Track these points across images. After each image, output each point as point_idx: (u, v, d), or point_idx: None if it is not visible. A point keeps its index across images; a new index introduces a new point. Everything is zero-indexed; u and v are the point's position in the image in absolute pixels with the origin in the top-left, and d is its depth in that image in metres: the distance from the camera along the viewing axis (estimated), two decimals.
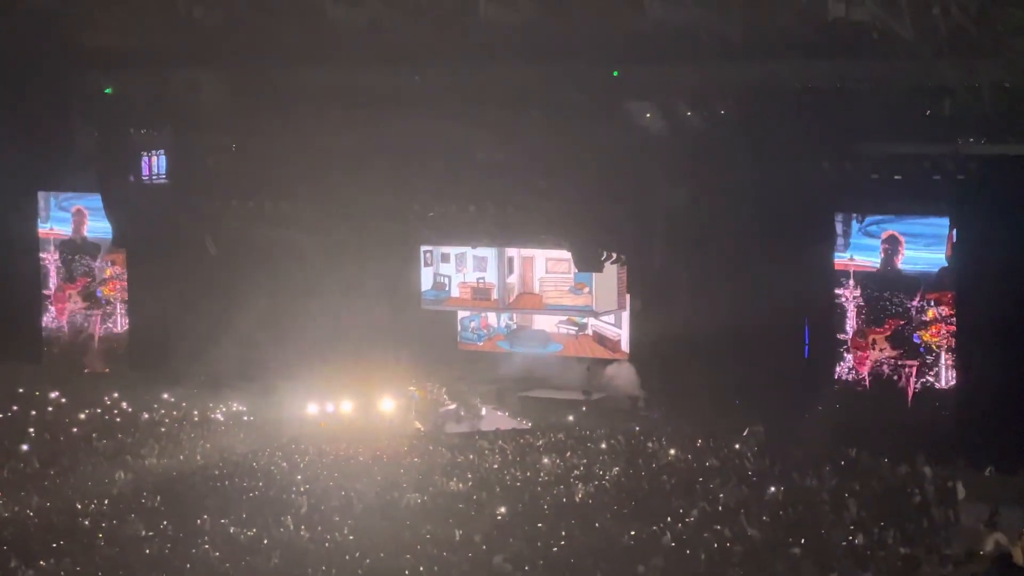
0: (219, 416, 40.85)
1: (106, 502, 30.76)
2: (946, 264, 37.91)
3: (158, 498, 31.04)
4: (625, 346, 43.37)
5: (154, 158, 45.35)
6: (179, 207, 45.22)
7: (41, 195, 48.35)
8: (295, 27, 41.07)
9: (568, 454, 35.15)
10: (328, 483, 32.40)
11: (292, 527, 28.84)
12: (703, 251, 40.58)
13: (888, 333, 38.63)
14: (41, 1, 41.43)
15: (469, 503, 30.56)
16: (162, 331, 45.78)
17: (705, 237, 40.49)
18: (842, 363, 39.15)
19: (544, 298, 43.92)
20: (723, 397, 39.23)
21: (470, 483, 32.50)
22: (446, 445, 36.87)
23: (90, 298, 48.14)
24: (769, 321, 38.98)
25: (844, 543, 27.15)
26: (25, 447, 35.80)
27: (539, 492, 31.48)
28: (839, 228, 38.89)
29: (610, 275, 42.75)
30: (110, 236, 47.15)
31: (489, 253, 43.95)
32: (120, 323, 47.87)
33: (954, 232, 37.69)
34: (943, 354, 38.19)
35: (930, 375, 38.27)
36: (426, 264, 44.54)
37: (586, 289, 43.11)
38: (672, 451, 35.03)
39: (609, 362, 43.45)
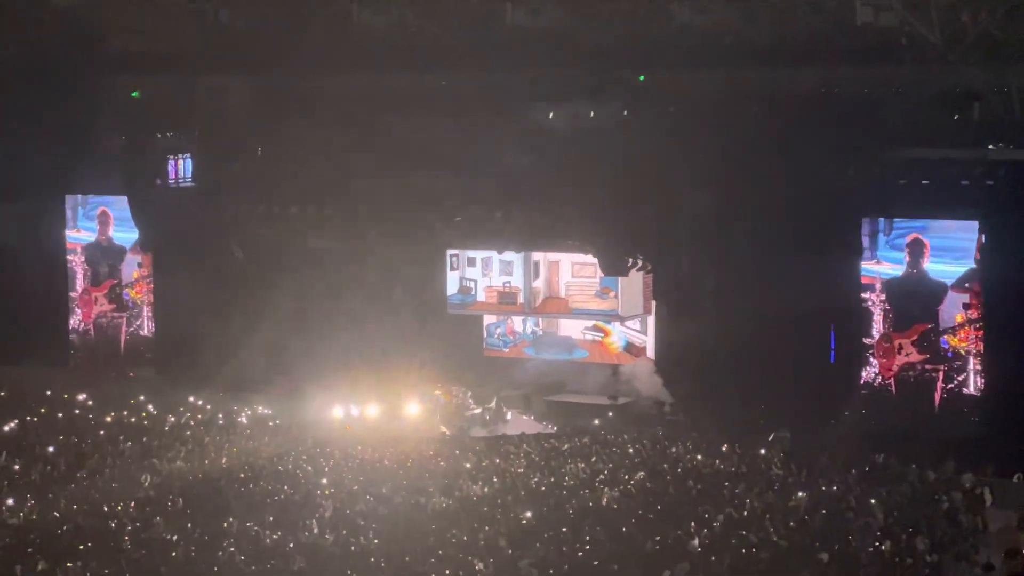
0: (245, 419, 40.90)
1: (132, 505, 30.77)
2: (974, 267, 37.73)
3: (183, 501, 31.04)
4: (651, 352, 43.30)
5: (180, 161, 45.48)
6: (205, 211, 45.31)
7: (68, 198, 48.45)
8: (322, 32, 41.14)
9: (593, 459, 35.10)
10: (353, 487, 32.38)
11: (317, 531, 28.83)
12: (729, 256, 40.50)
13: (915, 337, 38.47)
14: (69, 5, 41.54)
15: (494, 507, 30.52)
16: (188, 334, 45.81)
17: (731, 242, 40.41)
18: (868, 368, 39.01)
19: (570, 302, 43.88)
20: (749, 402, 39.14)
21: (496, 487, 32.46)
22: (471, 449, 36.85)
23: (116, 300, 48.21)
24: (795, 326, 38.91)
25: (871, 549, 27.03)
26: (52, 450, 35.85)
27: (564, 496, 31.41)
28: (865, 235, 38.73)
29: (636, 279, 42.74)
30: (136, 239, 47.30)
31: (515, 257, 43.93)
32: (147, 326, 47.93)
33: (982, 236, 37.53)
34: (971, 359, 37.99)
35: (957, 380, 38.09)
36: (452, 268, 44.55)
37: (612, 293, 43.07)
38: (698, 456, 34.95)
39: (635, 366, 43.42)
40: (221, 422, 40.15)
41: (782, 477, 32.72)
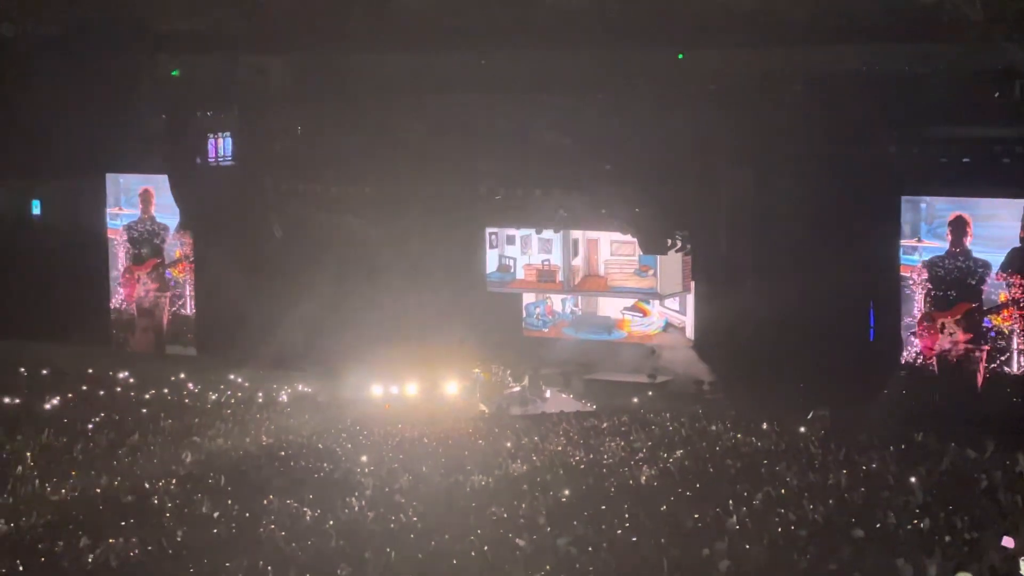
0: (285, 398, 41.07)
1: (174, 482, 30.94)
2: (1019, 245, 37.55)
3: (224, 478, 31.21)
4: (690, 333, 43.28)
5: (220, 140, 45.59)
6: (245, 189, 45.44)
7: (109, 177, 48.63)
8: (362, 11, 41.17)
9: (632, 437, 35.12)
10: (393, 465, 32.48)
11: (357, 508, 28.93)
12: (768, 234, 40.45)
13: (958, 317, 38.30)
14: None
15: (533, 485, 30.57)
16: (229, 313, 45.97)
17: (770, 221, 40.36)
18: (909, 348, 38.89)
19: (609, 280, 43.87)
20: (788, 380, 39.09)
21: (535, 465, 32.51)
22: (511, 427, 36.90)
23: (159, 279, 48.37)
24: (834, 304, 38.84)
25: (909, 527, 27.01)
26: (93, 427, 36.07)
27: (603, 475, 31.44)
28: (906, 222, 38.57)
29: (675, 258, 42.68)
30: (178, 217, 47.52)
31: (554, 235, 43.91)
32: (189, 305, 48.08)
33: None
34: (1015, 338, 37.82)
35: (1000, 359, 37.93)
36: (491, 246, 44.57)
37: (651, 271, 43.01)
38: (737, 434, 34.95)
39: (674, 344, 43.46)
40: (261, 400, 40.32)
41: (821, 455, 32.70)
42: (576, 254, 44.01)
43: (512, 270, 44.57)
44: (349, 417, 37.90)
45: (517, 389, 41.92)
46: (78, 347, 46.31)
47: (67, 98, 45.01)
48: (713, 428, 35.82)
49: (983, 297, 38.08)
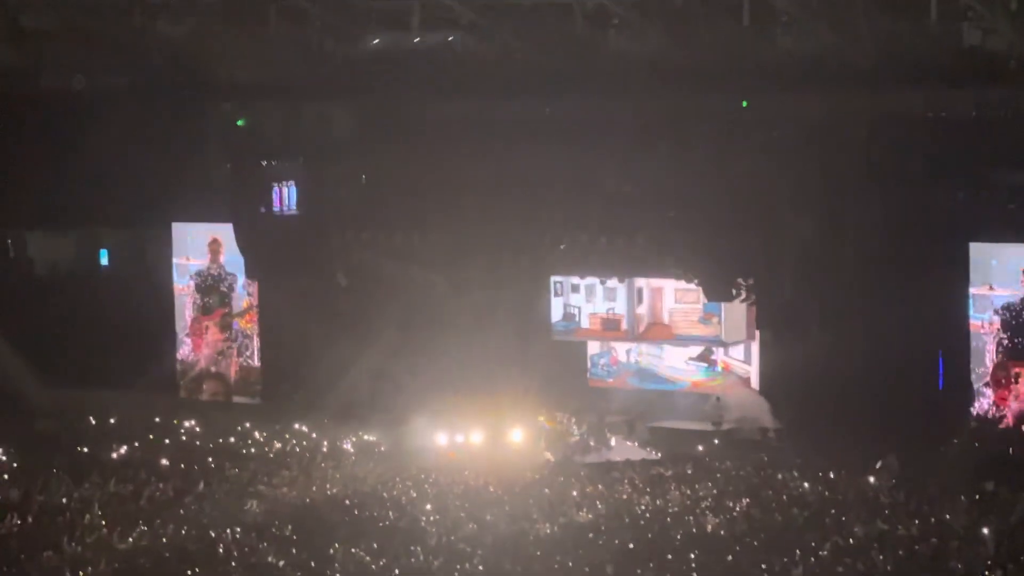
0: (349, 446, 41.08)
1: (239, 531, 31.02)
2: None
3: (290, 527, 31.25)
4: (755, 382, 43.05)
5: (285, 189, 45.78)
6: (310, 238, 45.58)
7: (176, 226, 48.83)
8: (425, 59, 41.34)
9: (697, 485, 34.96)
10: (458, 513, 32.46)
11: (422, 557, 28.92)
12: (834, 281, 40.22)
13: None
14: (175, 35, 42.07)
15: (599, 533, 30.48)
16: (294, 362, 46.06)
17: (836, 267, 40.14)
18: (982, 399, 38.42)
19: (673, 328, 43.70)
20: (855, 429, 38.79)
21: (600, 513, 32.41)
22: (576, 475, 36.80)
23: (227, 329, 48.47)
24: (902, 352, 38.57)
25: None
26: (159, 476, 36.22)
27: (669, 523, 31.33)
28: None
29: (740, 305, 42.45)
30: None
31: (618, 284, 43.81)
32: (256, 356, 48.10)
33: None
34: None
35: None
36: (556, 294, 44.52)
37: (715, 319, 42.84)
38: (804, 483, 34.71)
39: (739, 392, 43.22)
40: (326, 449, 40.37)
41: (889, 505, 32.44)
42: (640, 302, 43.89)
43: (577, 318, 44.49)
44: (414, 465, 37.89)
45: (582, 437, 41.73)
46: (145, 395, 46.50)
47: (134, 148, 45.40)
48: (779, 476, 35.60)
49: None
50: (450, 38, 40.20)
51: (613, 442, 41.93)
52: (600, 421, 42.56)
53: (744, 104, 41.41)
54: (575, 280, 44.14)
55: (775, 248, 40.95)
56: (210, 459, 38.56)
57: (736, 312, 42.39)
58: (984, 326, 38.20)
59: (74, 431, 42.43)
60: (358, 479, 36.28)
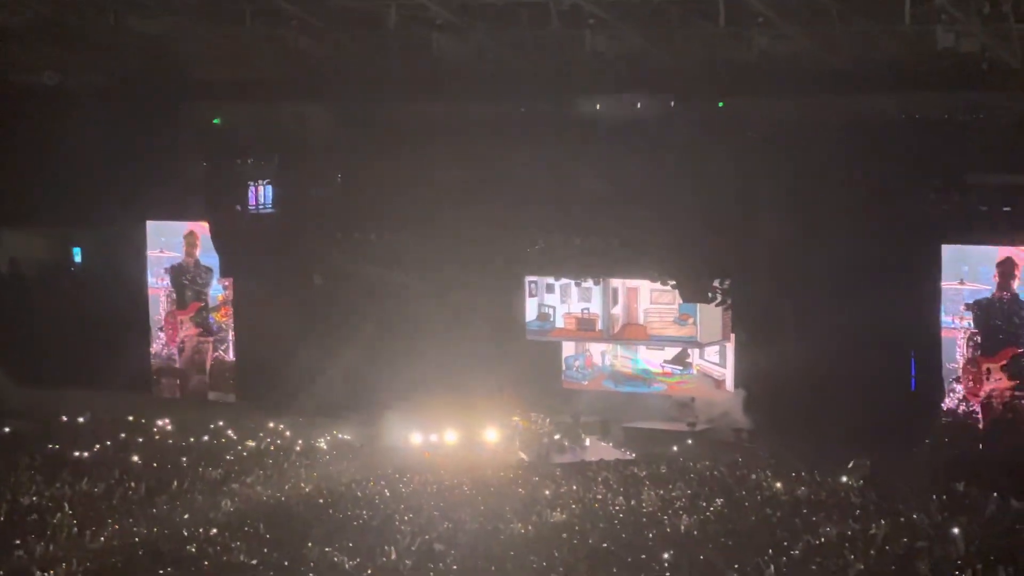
0: (324, 445, 41.07)
1: (213, 530, 30.98)
2: None
3: (263, 526, 31.22)
4: (730, 386, 43.14)
5: (261, 188, 45.73)
6: (285, 237, 45.56)
7: (150, 224, 48.71)
8: (402, 59, 41.33)
9: (671, 485, 35.03)
10: (432, 513, 32.46)
11: (395, 556, 28.92)
12: (808, 283, 40.32)
13: (1004, 363, 37.91)
14: (151, 33, 41.99)
15: (572, 533, 30.51)
16: (268, 360, 46.02)
17: (811, 269, 40.23)
18: (952, 395, 38.57)
19: (649, 329, 43.77)
20: (828, 429, 38.90)
21: (574, 513, 32.45)
22: (550, 475, 36.84)
23: (203, 324, 48.36)
24: (874, 353, 38.70)
25: None
26: (132, 474, 36.14)
27: (642, 523, 31.38)
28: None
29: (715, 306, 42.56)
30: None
31: (593, 285, 43.84)
32: (231, 351, 48.03)
33: None
34: None
35: None
36: (531, 295, 44.56)
37: (690, 320, 42.93)
38: (776, 483, 34.82)
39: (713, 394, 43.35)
40: (300, 447, 40.34)
41: (861, 505, 32.55)
42: (616, 303, 43.95)
43: (551, 319, 44.54)
44: (389, 464, 37.90)
45: (556, 437, 41.78)
46: (118, 393, 46.41)
47: (108, 146, 45.31)
48: (753, 477, 35.70)
49: None
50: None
51: (587, 442, 41.99)
52: (575, 421, 42.61)
53: (720, 105, 41.47)
54: (550, 280, 44.19)
55: (750, 249, 41.03)
56: (183, 457, 38.49)
57: (712, 313, 42.49)
58: (955, 322, 38.27)
59: (45, 429, 42.32)
60: (332, 478, 36.26)
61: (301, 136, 45.75)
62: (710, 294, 41.31)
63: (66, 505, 32.99)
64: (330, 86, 43.30)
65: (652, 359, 44.32)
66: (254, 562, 28.56)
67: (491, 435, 41.03)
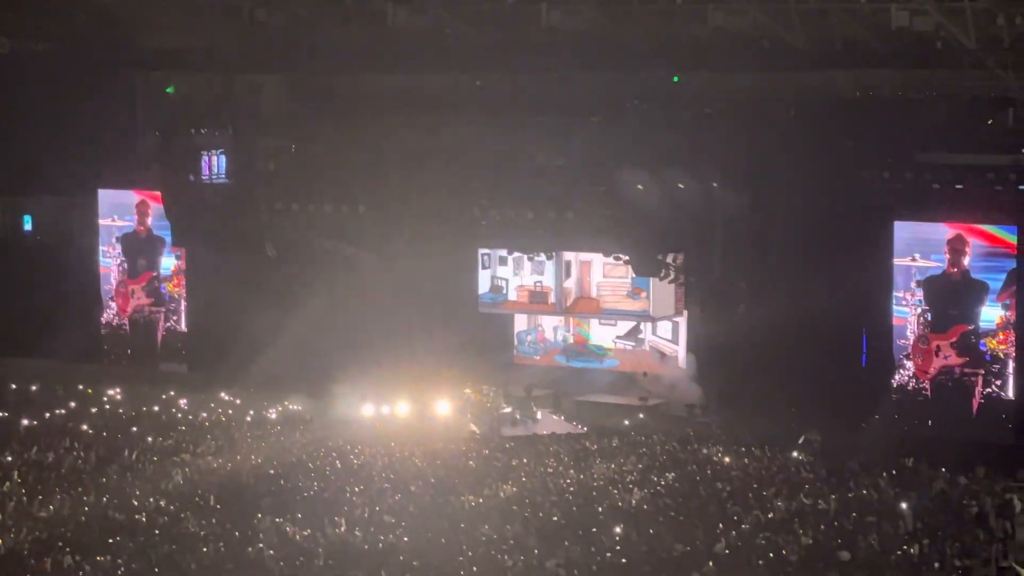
0: (275, 416, 41.00)
1: (163, 501, 30.91)
2: (1016, 267, 37.31)
3: (214, 497, 31.16)
4: (682, 362, 43.25)
5: (214, 158, 45.52)
6: (238, 208, 45.37)
7: (102, 193, 48.44)
8: (357, 32, 41.18)
9: (622, 459, 35.12)
10: (383, 485, 32.46)
11: (346, 528, 28.91)
12: (761, 258, 40.46)
13: (953, 339, 38.07)
14: (104, 2, 41.72)
15: (523, 506, 30.56)
16: (220, 330, 45.88)
17: (763, 244, 40.38)
18: (903, 371, 38.71)
19: (601, 302, 43.82)
20: (779, 404, 39.10)
21: (525, 486, 32.49)
22: (501, 448, 36.89)
23: (154, 294, 48.13)
24: (826, 329, 38.85)
25: (899, 553, 27.01)
26: (82, 444, 36.00)
27: (593, 497, 31.45)
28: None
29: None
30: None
31: (545, 259, 43.84)
32: (183, 321, 47.84)
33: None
34: (1010, 362, 37.59)
35: (996, 384, 37.70)
36: (483, 267, 44.54)
37: (643, 294, 42.99)
38: (727, 458, 34.96)
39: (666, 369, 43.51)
40: (251, 419, 40.26)
41: (811, 480, 32.72)
42: (568, 276, 43.99)
43: (504, 291, 44.53)
44: (339, 436, 37.84)
45: (508, 410, 41.82)
46: (68, 363, 46.20)
47: (60, 114, 45.01)
48: (704, 451, 35.85)
49: (979, 320, 37.78)
50: None
51: (539, 415, 42.04)
52: (527, 394, 42.65)
53: (675, 80, 41.48)
54: (502, 252, 44.17)
55: (703, 224, 41.10)
56: (134, 427, 38.38)
57: (665, 287, 42.55)
58: (907, 298, 38.40)
59: None
60: (283, 449, 36.21)
61: (255, 107, 45.54)
62: (663, 271, 41.36)
63: (15, 474, 32.84)
64: (285, 57, 43.09)
65: (604, 335, 44.43)
66: (204, 533, 28.50)
67: (443, 407, 41.04)
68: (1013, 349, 37.44)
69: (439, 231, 43.40)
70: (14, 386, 43.47)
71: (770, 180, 39.87)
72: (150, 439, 36.73)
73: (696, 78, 40.89)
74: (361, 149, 43.40)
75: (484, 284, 44.66)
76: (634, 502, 31.07)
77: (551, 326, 45.13)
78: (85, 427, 38.22)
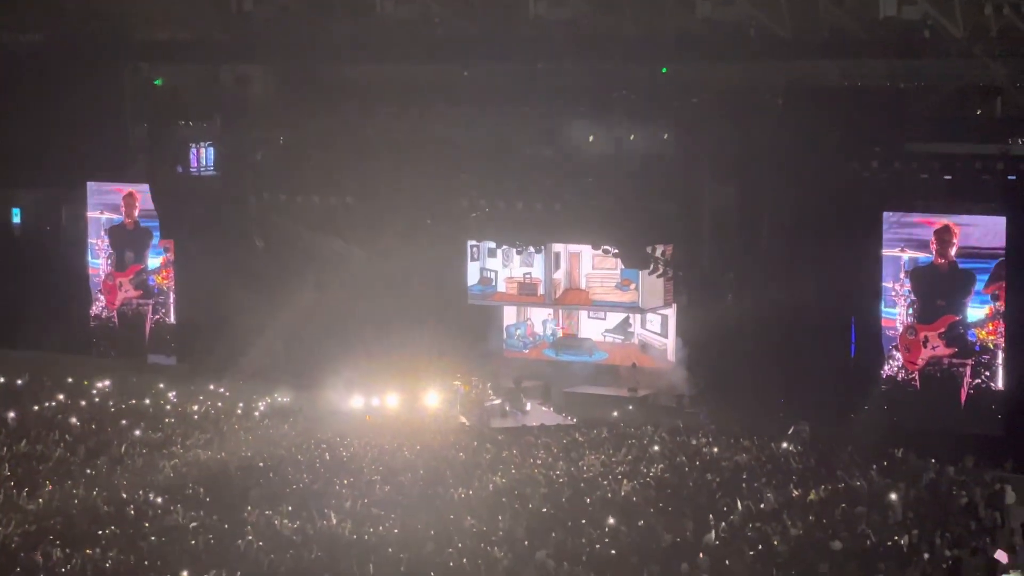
0: (265, 408, 40.94)
1: (152, 493, 30.84)
2: (1004, 258, 37.28)
3: (203, 489, 31.11)
4: (671, 355, 43.26)
5: (202, 150, 45.48)
6: (227, 200, 45.34)
7: (91, 185, 48.37)
8: (345, 22, 41.16)
9: (612, 450, 35.10)
10: (372, 476, 32.41)
11: (335, 520, 28.87)
12: (750, 249, 40.46)
13: (942, 330, 38.03)
14: None
15: (513, 498, 30.53)
16: (209, 323, 45.84)
17: (752, 235, 40.37)
18: (892, 362, 38.69)
19: (590, 294, 43.83)
20: (768, 395, 39.10)
21: (514, 478, 32.46)
22: (491, 440, 36.84)
23: (142, 286, 48.06)
24: (816, 319, 38.84)
25: (889, 543, 27.02)
26: (72, 436, 35.94)
27: (583, 488, 31.41)
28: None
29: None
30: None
31: (535, 251, 43.82)
32: (172, 313, 47.76)
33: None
34: (999, 352, 37.61)
35: (984, 374, 37.70)
36: (473, 259, 44.51)
37: (632, 285, 42.99)
38: (716, 449, 34.95)
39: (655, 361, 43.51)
40: (241, 411, 40.19)
41: (801, 470, 32.72)
42: (558, 267, 43.98)
43: (493, 283, 44.50)
44: (329, 429, 37.77)
45: (497, 402, 41.80)
46: (58, 355, 46.14)
47: (48, 106, 44.95)
48: (693, 442, 35.82)
49: (967, 311, 37.76)
50: None
51: (528, 407, 42.01)
52: (516, 386, 42.63)
53: (663, 71, 41.49)
54: (491, 244, 44.14)
55: (692, 215, 41.12)
56: (123, 420, 38.28)
57: (653, 279, 42.51)
58: (895, 289, 38.37)
59: None
60: (273, 442, 36.12)
61: (244, 98, 45.50)
62: (651, 265, 41.35)
63: (4, 466, 32.76)
64: (273, 48, 43.06)
65: (594, 329, 44.45)
66: (194, 525, 28.46)
67: (432, 399, 40.99)
68: (1002, 340, 37.40)
69: (428, 223, 43.37)
70: (2, 379, 43.35)
71: (758, 170, 39.83)
72: (139, 432, 36.65)
73: (684, 69, 40.91)
74: (349, 141, 43.35)
75: (473, 276, 44.64)
76: (624, 493, 31.05)
77: (540, 320, 45.12)
78: (74, 420, 38.12)
